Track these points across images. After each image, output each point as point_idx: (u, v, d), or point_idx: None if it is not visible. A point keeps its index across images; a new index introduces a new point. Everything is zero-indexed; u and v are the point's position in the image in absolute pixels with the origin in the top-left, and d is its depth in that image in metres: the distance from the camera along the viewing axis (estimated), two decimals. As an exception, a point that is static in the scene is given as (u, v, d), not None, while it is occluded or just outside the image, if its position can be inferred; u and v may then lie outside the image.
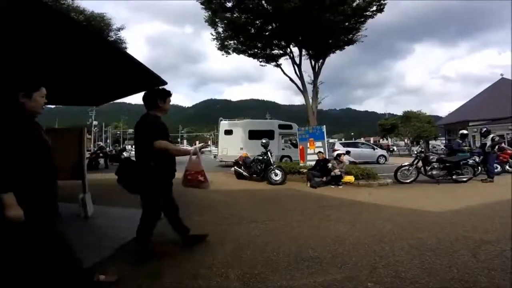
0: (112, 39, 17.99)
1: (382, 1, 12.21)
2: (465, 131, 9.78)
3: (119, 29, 18.79)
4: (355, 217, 4.44)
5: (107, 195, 6.33)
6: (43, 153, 1.92)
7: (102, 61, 3.95)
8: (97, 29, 15.71)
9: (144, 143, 2.64)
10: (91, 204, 4.66)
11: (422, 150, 9.04)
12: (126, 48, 19.73)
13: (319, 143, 9.74)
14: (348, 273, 2.45)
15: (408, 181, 8.14)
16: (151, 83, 4.96)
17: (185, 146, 75.85)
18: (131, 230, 3.63)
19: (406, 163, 8.55)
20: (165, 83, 4.97)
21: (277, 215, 4.60)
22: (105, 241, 3.37)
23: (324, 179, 7.93)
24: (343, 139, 62.64)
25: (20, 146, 1.75)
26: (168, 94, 2.89)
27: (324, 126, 10.06)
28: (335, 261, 2.71)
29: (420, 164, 8.32)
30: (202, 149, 2.84)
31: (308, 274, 2.45)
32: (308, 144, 10.01)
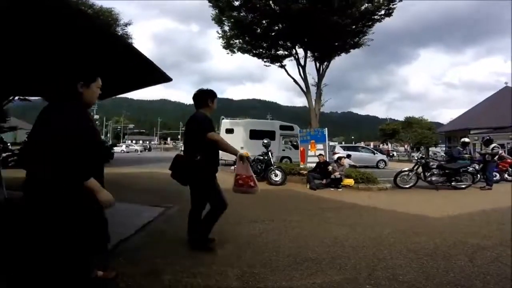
0: (119, 33, 18.06)
1: (391, 5, 12.20)
2: (466, 139, 9.82)
3: (126, 25, 18.80)
4: (354, 220, 4.47)
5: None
6: (99, 142, 1.97)
7: (108, 55, 3.97)
8: (104, 23, 15.81)
9: (193, 138, 2.88)
10: None
11: (423, 156, 9.07)
12: (132, 43, 19.77)
13: (320, 146, 9.75)
14: (347, 275, 2.47)
15: (407, 186, 8.18)
16: (156, 79, 5.00)
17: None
18: (128, 225, 3.67)
19: (406, 169, 8.59)
20: (170, 79, 5.00)
21: (277, 216, 4.62)
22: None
23: (324, 181, 7.96)
24: (343, 143, 62.65)
25: (87, 135, 1.76)
26: (215, 95, 3.15)
27: (326, 128, 10.08)
28: (334, 262, 2.73)
29: (420, 170, 8.36)
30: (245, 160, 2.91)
31: (307, 275, 2.47)
32: (309, 146, 10.01)
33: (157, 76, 4.76)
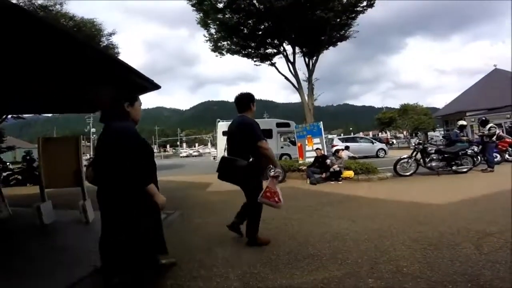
0: (104, 44, 17.75)
1: None
2: (464, 122, 9.76)
3: (110, 34, 18.47)
4: (355, 212, 4.41)
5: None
6: (152, 152, 2.35)
7: (93, 68, 3.92)
8: (87, 35, 15.54)
9: (242, 142, 3.08)
10: (92, 210, 4.71)
11: (420, 141, 8.98)
12: (118, 53, 19.50)
13: (317, 140, 9.73)
14: (349, 269, 2.43)
15: (408, 173, 8.13)
16: (145, 88, 4.94)
17: (185, 149, 76.03)
18: None
19: (405, 156, 8.52)
20: (158, 87, 4.95)
21: (277, 213, 4.53)
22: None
23: (324, 175, 7.92)
24: (342, 135, 62.64)
25: (145, 147, 2.20)
26: (254, 97, 3.37)
27: (321, 122, 10.04)
28: (335, 257, 2.69)
29: (418, 156, 8.30)
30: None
31: (308, 272, 2.43)
32: (306, 141, 9.99)
33: (145, 84, 4.71)
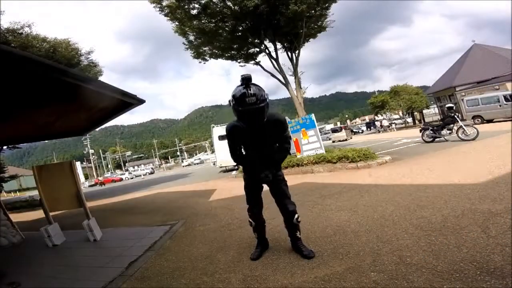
0: (85, 63, 17.49)
1: None
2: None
3: (89, 53, 17.97)
4: (355, 202, 4.33)
5: (114, 217, 6.76)
6: None
7: (77, 93, 3.90)
8: (64, 56, 15.13)
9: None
10: (98, 229, 4.87)
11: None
12: (101, 70, 19.13)
13: (311, 132, 9.71)
14: (350, 264, 2.38)
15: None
16: (129, 103, 4.90)
17: (186, 158, 75.52)
18: (138, 247, 4.01)
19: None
20: (142, 101, 4.92)
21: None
22: (117, 260, 3.67)
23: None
24: (338, 123, 62.61)
25: None
26: None
27: (313, 114, 10.02)
28: (336, 252, 2.65)
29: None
30: None
31: (308, 270, 2.41)
32: (301, 134, 9.95)
33: (129, 100, 4.68)
